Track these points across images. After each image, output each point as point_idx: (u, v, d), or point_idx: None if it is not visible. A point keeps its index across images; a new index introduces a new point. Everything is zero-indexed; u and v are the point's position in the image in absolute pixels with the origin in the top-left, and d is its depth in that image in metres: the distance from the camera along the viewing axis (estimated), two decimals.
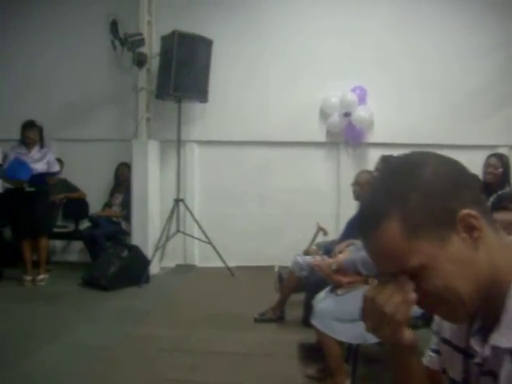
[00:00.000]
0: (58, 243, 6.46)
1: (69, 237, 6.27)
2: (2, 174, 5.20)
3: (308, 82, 6.05)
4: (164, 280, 5.68)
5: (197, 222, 5.91)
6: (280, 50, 6.09)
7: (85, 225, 6.22)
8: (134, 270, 5.31)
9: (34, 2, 6.31)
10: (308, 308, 3.28)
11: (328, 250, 3.88)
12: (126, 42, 5.54)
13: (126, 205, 5.92)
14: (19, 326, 4.07)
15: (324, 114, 6.13)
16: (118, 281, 5.12)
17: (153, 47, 5.92)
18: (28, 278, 5.31)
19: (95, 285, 5.12)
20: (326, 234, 4.70)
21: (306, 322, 3.45)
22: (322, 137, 6.19)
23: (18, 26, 6.28)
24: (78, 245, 6.30)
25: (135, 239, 5.77)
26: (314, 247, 4.44)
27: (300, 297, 4.00)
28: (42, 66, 6.27)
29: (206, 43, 5.74)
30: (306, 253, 4.19)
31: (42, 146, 5.35)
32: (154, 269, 5.70)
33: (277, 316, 4.16)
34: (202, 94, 5.80)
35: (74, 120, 6.26)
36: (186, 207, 5.92)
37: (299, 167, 6.21)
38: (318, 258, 3.65)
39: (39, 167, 5.23)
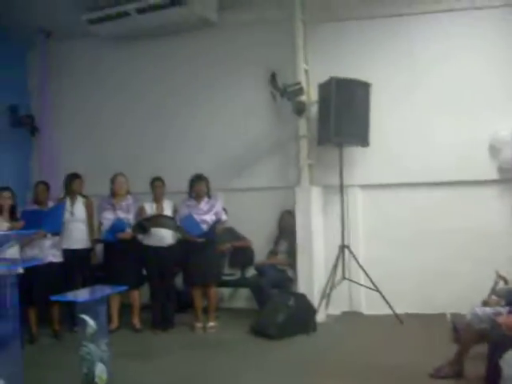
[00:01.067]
0: (225, 290, 6.85)
1: (235, 284, 6.62)
2: (174, 227, 5.75)
3: (473, 117, 5.88)
4: (331, 328, 5.74)
5: (362, 269, 5.93)
6: (439, 86, 6.02)
7: (251, 272, 6.57)
8: (301, 318, 5.46)
9: (200, 61, 7.05)
10: (492, 365, 3.12)
11: (511, 300, 3.67)
12: (286, 93, 5.91)
13: (291, 252, 6.14)
14: (191, 374, 4.40)
15: (494, 150, 5.89)
16: (285, 329, 5.29)
17: (311, 95, 6.21)
18: (199, 325, 5.73)
19: (263, 333, 5.34)
20: (506, 283, 4.42)
21: (490, 382, 3.27)
22: (493, 174, 5.93)
23: (187, 83, 7.07)
24: (244, 292, 6.64)
25: (301, 287, 5.95)
26: (494, 297, 4.21)
27: (480, 349, 3.79)
28: (201, 120, 6.93)
29: (364, 87, 5.88)
30: (486, 303, 4.00)
31: (209, 197, 5.85)
32: (320, 316, 5.81)
33: (455, 372, 3.94)
34: (362, 138, 5.91)
35: (238, 170, 6.74)
36: (351, 253, 5.98)
37: (468, 207, 5.94)
38: (501, 309, 3.47)
39: (208, 218, 5.68)
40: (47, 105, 7.56)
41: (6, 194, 5.21)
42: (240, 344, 5.21)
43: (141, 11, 6.44)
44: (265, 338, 5.28)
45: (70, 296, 3.86)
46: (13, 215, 5.20)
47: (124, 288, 4.52)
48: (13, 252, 4.79)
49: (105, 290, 4.06)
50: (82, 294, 3.92)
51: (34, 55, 7.93)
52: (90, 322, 3.64)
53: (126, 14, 6.51)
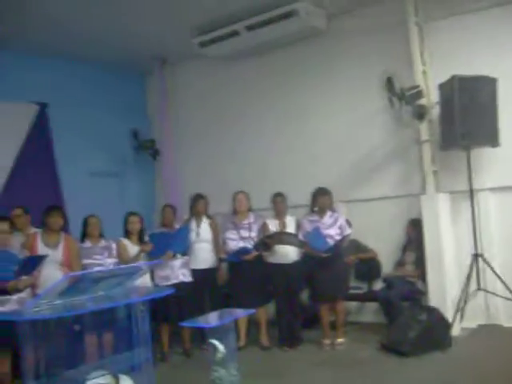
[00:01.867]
0: (352, 304, 6.82)
1: (363, 298, 6.58)
2: (298, 244, 5.85)
3: None
4: (467, 344, 5.52)
5: (500, 278, 5.68)
6: None
7: (378, 285, 6.52)
8: (435, 333, 5.29)
9: (310, 71, 7.16)
10: None
11: None
12: (404, 97, 5.82)
13: (420, 263, 5.99)
14: None
15: None
16: (418, 346, 5.16)
17: (431, 97, 6.06)
18: (327, 341, 5.76)
19: (395, 350, 5.24)
20: None
21: None
22: None
23: (299, 94, 7.19)
24: (372, 306, 6.59)
25: (432, 299, 5.80)
26: None
27: None
28: (315, 131, 7.03)
29: (490, 82, 5.62)
30: None
31: (332, 211, 5.91)
32: (454, 331, 5.63)
33: None
34: (492, 138, 5.64)
35: (358, 180, 6.72)
36: (486, 262, 5.74)
37: None
38: None
39: (333, 232, 5.72)
40: (166, 127, 8.07)
41: (135, 218, 5.64)
42: (372, 362, 5.15)
43: (250, 28, 6.69)
44: (397, 355, 5.18)
45: (201, 321, 4.01)
46: (141, 238, 5.63)
47: (252, 311, 4.68)
48: (144, 280, 5.20)
49: (234, 314, 4.20)
50: (211, 319, 4.07)
51: (152, 81, 8.53)
52: (220, 347, 3.79)
53: (236, 33, 6.80)
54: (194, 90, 8.14)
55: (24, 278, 4.53)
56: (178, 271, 5.77)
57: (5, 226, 4.53)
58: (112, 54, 7.59)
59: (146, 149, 8.14)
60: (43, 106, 7.32)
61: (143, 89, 8.79)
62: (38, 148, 7.18)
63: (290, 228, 5.90)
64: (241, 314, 4.46)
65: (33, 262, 4.65)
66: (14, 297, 4.52)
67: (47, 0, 5.86)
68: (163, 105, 8.16)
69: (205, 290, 6.08)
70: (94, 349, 3.97)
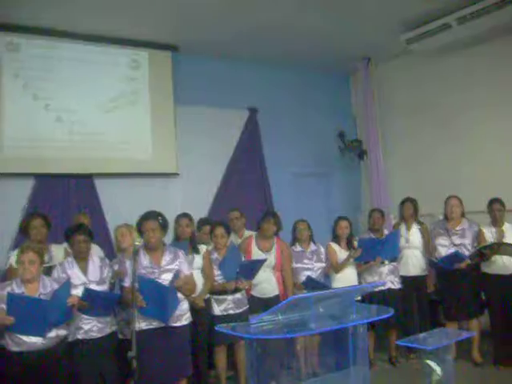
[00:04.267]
0: None
1: None
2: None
3: None
4: None
5: None
6: None
7: None
8: None
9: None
10: None
11: None
12: None
13: None
14: None
15: None
16: None
17: None
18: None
19: None
20: None
21: None
22: None
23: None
24: None
25: None
26: None
27: None
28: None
29: None
30: None
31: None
32: None
33: None
34: None
35: None
36: None
37: None
38: None
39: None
40: (372, 128, 8.12)
41: (344, 223, 5.79)
42: None
43: (461, 21, 6.48)
44: None
45: (417, 342, 3.92)
46: (350, 243, 5.81)
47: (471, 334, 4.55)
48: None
49: (452, 336, 4.07)
50: (429, 340, 3.95)
51: (356, 81, 8.68)
52: (437, 368, 3.72)
53: (447, 26, 6.63)
54: (400, 88, 8.10)
55: (243, 280, 5.04)
56: (386, 278, 5.83)
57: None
58: (317, 55, 7.87)
59: (352, 149, 8.31)
60: (254, 112, 7.93)
61: (348, 89, 8.99)
62: (248, 152, 7.81)
63: (509, 236, 5.61)
64: (458, 337, 4.23)
65: (253, 266, 5.13)
66: (230, 297, 5.06)
67: (258, 9, 6.32)
68: (369, 104, 8.23)
69: (413, 297, 6.07)
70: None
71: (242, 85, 7.77)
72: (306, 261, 5.59)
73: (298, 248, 5.64)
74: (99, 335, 4.29)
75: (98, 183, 6.66)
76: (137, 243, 3.76)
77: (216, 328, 3.53)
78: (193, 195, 7.12)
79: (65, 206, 6.21)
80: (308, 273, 5.49)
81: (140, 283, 3.90)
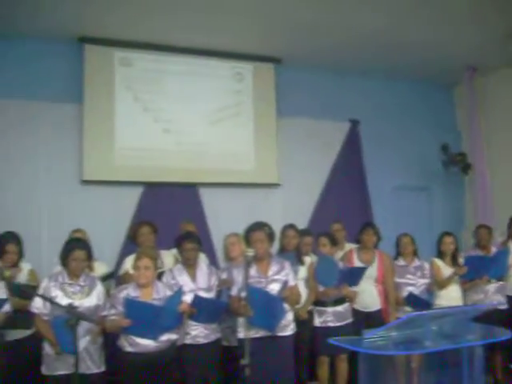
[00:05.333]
0: None
1: None
2: None
3: None
4: None
5: None
6: None
7: None
8: None
9: None
10: None
11: None
12: None
13: None
14: None
15: None
16: None
17: None
18: None
19: None
20: None
21: None
22: None
23: None
24: None
25: None
26: None
27: None
28: None
29: None
30: None
31: None
32: None
33: None
34: None
35: None
36: None
37: None
38: None
39: None
40: (478, 141, 7.85)
41: (450, 239, 5.57)
42: None
43: None
44: None
45: None
46: (455, 259, 5.64)
47: None
48: None
49: None
50: None
51: (460, 92, 8.42)
52: None
53: None
54: (507, 100, 7.79)
55: (346, 287, 5.03)
56: (492, 297, 5.62)
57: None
58: (420, 67, 7.74)
59: (456, 163, 8.06)
60: (355, 123, 7.91)
61: (451, 100, 8.75)
62: (349, 164, 7.78)
63: None
64: None
65: (354, 272, 5.11)
66: (330, 309, 5.06)
67: (360, 20, 6.32)
68: (474, 116, 7.96)
69: None
70: None
71: (343, 96, 7.79)
72: (409, 276, 5.48)
73: (401, 262, 5.55)
74: (205, 341, 4.43)
75: (202, 192, 6.88)
76: (250, 253, 3.85)
77: (329, 340, 3.54)
78: (293, 206, 7.19)
79: (170, 213, 6.44)
80: (411, 288, 5.38)
81: (249, 292, 3.98)
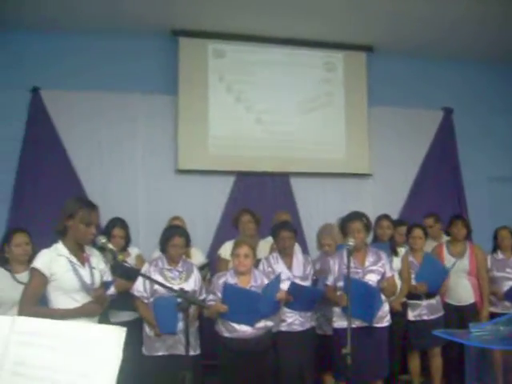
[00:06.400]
0: None
1: None
2: None
3: None
4: None
5: None
6: None
7: None
8: None
9: None
10: None
11: None
12: None
13: None
14: None
15: None
16: None
17: None
18: None
19: None
20: None
21: None
22: None
23: None
24: None
25: None
26: None
27: None
28: None
29: None
30: None
31: None
32: None
33: None
34: None
35: None
36: None
37: None
38: None
39: None
40: None
41: None
42: None
43: None
44: None
45: None
46: None
47: None
48: None
49: None
50: None
51: None
52: None
53: None
54: None
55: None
56: None
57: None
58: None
59: None
60: (449, 112, 7.68)
61: None
62: (442, 153, 7.56)
63: None
64: None
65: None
66: (424, 302, 4.99)
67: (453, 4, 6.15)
68: None
69: None
70: None
71: (436, 84, 7.58)
72: (508, 270, 5.31)
73: (499, 256, 5.38)
74: (300, 329, 4.49)
75: (294, 182, 6.93)
76: (350, 243, 3.87)
77: (433, 332, 3.51)
78: (384, 196, 7.10)
79: (261, 203, 6.53)
80: (511, 283, 5.21)
81: (346, 283, 4.00)
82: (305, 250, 5.90)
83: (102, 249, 3.35)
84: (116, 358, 1.25)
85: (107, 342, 1.27)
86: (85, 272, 3.15)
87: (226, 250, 4.92)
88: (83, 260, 3.19)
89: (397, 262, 4.99)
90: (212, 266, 5.21)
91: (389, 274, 4.36)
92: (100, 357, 1.23)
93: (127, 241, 4.82)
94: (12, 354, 1.29)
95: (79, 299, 3.12)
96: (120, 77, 6.51)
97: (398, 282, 4.86)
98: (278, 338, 4.42)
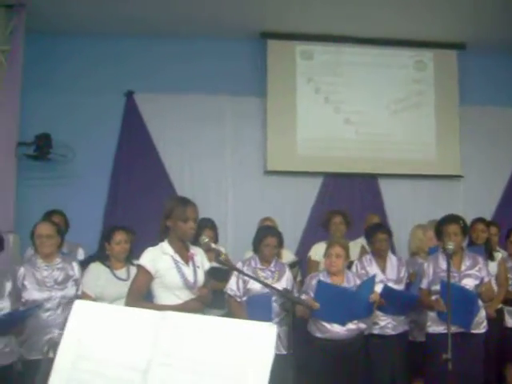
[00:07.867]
0: None
1: None
2: None
3: None
4: None
5: None
6: None
7: None
8: None
9: None
10: None
11: None
12: None
13: None
14: None
15: None
16: None
17: None
18: None
19: None
20: None
21: None
22: None
23: None
24: None
25: None
26: None
27: None
28: None
29: None
30: None
31: None
32: None
33: None
34: None
35: None
36: None
37: None
38: None
39: None
40: None
41: None
42: None
43: None
44: None
45: None
46: None
47: None
48: None
49: None
50: None
51: None
52: None
53: None
54: None
55: None
56: None
57: None
58: None
59: None
60: None
61: None
62: None
63: None
64: None
65: None
66: None
67: None
68: None
69: None
70: None
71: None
72: None
73: None
74: (393, 333, 4.43)
75: (382, 183, 6.84)
76: (450, 246, 3.79)
77: None
78: (476, 199, 6.85)
79: (349, 204, 6.47)
80: None
81: (442, 287, 3.91)
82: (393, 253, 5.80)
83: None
84: (269, 356, 1.29)
85: (259, 338, 1.32)
86: (188, 270, 3.24)
87: (316, 252, 4.93)
88: (187, 259, 3.28)
89: (493, 266, 4.82)
90: (302, 264, 5.23)
91: (486, 279, 4.23)
92: (252, 354, 1.28)
93: (215, 241, 4.91)
94: (162, 346, 1.36)
95: (182, 297, 3.21)
96: (210, 79, 6.64)
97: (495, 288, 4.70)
98: (369, 340, 4.37)
